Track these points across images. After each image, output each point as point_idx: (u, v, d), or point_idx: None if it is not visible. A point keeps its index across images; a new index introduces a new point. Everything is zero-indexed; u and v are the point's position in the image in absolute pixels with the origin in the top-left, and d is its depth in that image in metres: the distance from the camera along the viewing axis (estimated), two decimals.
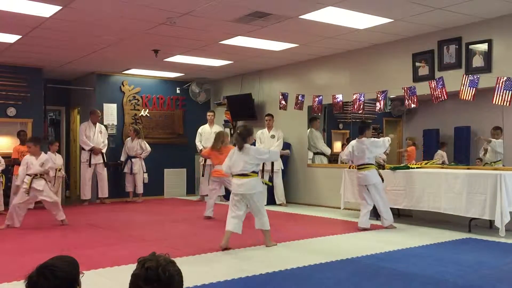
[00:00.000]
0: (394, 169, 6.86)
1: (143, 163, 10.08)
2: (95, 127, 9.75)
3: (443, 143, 8.61)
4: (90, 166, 9.64)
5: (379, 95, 7.64)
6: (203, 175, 9.83)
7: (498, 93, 6.15)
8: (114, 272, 4.14)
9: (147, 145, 10.04)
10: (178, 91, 11.34)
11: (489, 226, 6.14)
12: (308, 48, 8.11)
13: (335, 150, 10.14)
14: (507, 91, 6.07)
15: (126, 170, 10.03)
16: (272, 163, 9.02)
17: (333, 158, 9.84)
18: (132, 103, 10.71)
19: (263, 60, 9.11)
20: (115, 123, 10.48)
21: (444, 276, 3.96)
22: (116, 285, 3.83)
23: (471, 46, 6.67)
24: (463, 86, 6.49)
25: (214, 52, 8.39)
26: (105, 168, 9.78)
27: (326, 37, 7.38)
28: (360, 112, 8.48)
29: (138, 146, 9.98)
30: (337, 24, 6.61)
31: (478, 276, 3.98)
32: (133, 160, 9.97)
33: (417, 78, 7.32)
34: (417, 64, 7.34)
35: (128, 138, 10.17)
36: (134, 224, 7.11)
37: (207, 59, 9.06)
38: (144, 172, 10.13)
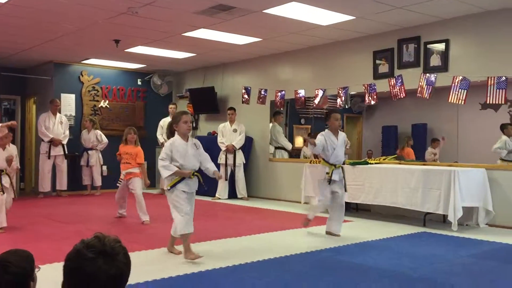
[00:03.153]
0: (353, 164, 6.98)
1: (100, 156, 9.86)
2: (55, 118, 9.47)
3: (434, 139, 8.33)
4: (49, 158, 9.36)
5: (340, 91, 7.75)
6: None
7: (454, 91, 6.36)
8: None
9: (103, 136, 9.81)
10: (139, 83, 11.15)
11: (443, 220, 6.35)
12: (272, 42, 8.13)
13: (296, 145, 10.23)
14: (463, 90, 6.28)
15: (82, 162, 9.80)
16: (234, 156, 9.03)
17: (295, 153, 9.92)
18: (91, 94, 10.46)
19: (226, 53, 9.07)
20: (73, 114, 10.21)
21: (399, 269, 4.07)
22: None
23: (429, 46, 6.85)
24: (421, 84, 6.67)
25: (177, 44, 8.29)
26: (65, 160, 9.52)
27: (290, 32, 7.41)
28: (321, 107, 8.59)
29: (95, 138, 9.76)
30: (300, 19, 6.65)
31: (431, 269, 4.12)
32: (89, 152, 9.74)
33: (377, 76, 7.46)
34: (378, 61, 7.48)
35: (84, 130, 9.93)
36: (92, 217, 6.97)
37: (169, 51, 8.94)
38: (101, 165, 9.93)
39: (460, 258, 4.55)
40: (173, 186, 4.37)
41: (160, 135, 9.84)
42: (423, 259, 4.45)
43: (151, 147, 10.80)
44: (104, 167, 10.14)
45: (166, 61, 9.93)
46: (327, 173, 5.43)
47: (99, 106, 10.53)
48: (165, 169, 4.37)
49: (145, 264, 4.07)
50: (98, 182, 9.81)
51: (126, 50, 8.82)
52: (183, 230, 4.31)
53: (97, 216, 7.10)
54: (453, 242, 5.30)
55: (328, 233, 5.60)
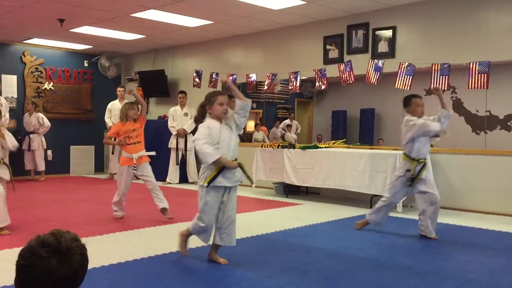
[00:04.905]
0: (304, 148, 7.08)
1: (43, 139, 9.48)
2: None
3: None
4: None
5: (291, 76, 7.80)
6: (113, 153, 9.51)
7: (400, 77, 6.55)
8: (14, 254, 3.89)
9: (45, 119, 9.43)
10: (86, 64, 10.79)
11: None
12: (223, 26, 8.05)
13: (248, 129, 10.26)
14: (408, 76, 6.47)
15: (24, 146, 9.40)
16: (185, 141, 8.94)
17: (246, 137, 9.96)
18: (34, 75, 10.03)
19: (177, 36, 8.91)
20: (15, 96, 9.77)
21: (346, 250, 4.19)
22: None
23: (377, 32, 6.99)
24: (369, 70, 6.82)
25: (125, 25, 8.05)
26: None
27: (241, 15, 7.36)
28: (273, 92, 8.62)
29: (36, 121, 9.37)
30: (252, 3, 6.61)
31: (376, 249, 4.26)
32: (31, 136, 9.34)
33: (327, 61, 7.55)
34: (328, 47, 7.57)
35: (26, 113, 9.51)
36: (36, 203, 6.73)
37: (117, 32, 8.68)
38: (45, 149, 9.56)
39: (404, 238, 4.74)
40: (210, 181, 3.59)
41: (108, 119, 9.57)
42: (369, 240, 4.60)
43: (99, 131, 10.52)
44: (49, 152, 9.79)
45: (114, 42, 9.65)
46: (408, 170, 4.59)
47: (43, 88, 10.12)
48: (208, 156, 3.48)
49: (99, 251, 3.98)
50: (41, 167, 9.45)
51: (71, 30, 8.49)
52: (195, 232, 3.86)
53: (40, 202, 6.86)
54: (398, 223, 5.50)
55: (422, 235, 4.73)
